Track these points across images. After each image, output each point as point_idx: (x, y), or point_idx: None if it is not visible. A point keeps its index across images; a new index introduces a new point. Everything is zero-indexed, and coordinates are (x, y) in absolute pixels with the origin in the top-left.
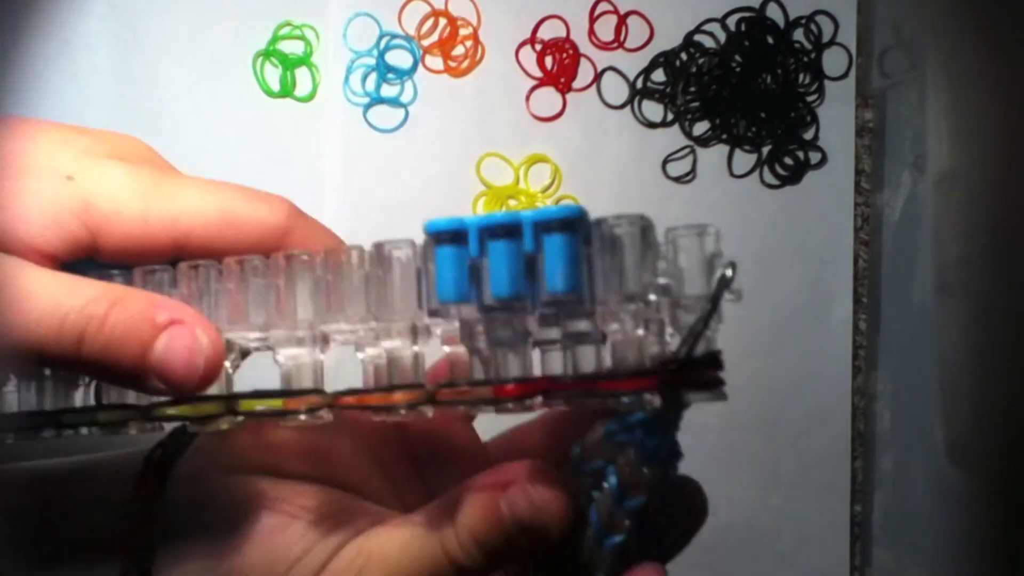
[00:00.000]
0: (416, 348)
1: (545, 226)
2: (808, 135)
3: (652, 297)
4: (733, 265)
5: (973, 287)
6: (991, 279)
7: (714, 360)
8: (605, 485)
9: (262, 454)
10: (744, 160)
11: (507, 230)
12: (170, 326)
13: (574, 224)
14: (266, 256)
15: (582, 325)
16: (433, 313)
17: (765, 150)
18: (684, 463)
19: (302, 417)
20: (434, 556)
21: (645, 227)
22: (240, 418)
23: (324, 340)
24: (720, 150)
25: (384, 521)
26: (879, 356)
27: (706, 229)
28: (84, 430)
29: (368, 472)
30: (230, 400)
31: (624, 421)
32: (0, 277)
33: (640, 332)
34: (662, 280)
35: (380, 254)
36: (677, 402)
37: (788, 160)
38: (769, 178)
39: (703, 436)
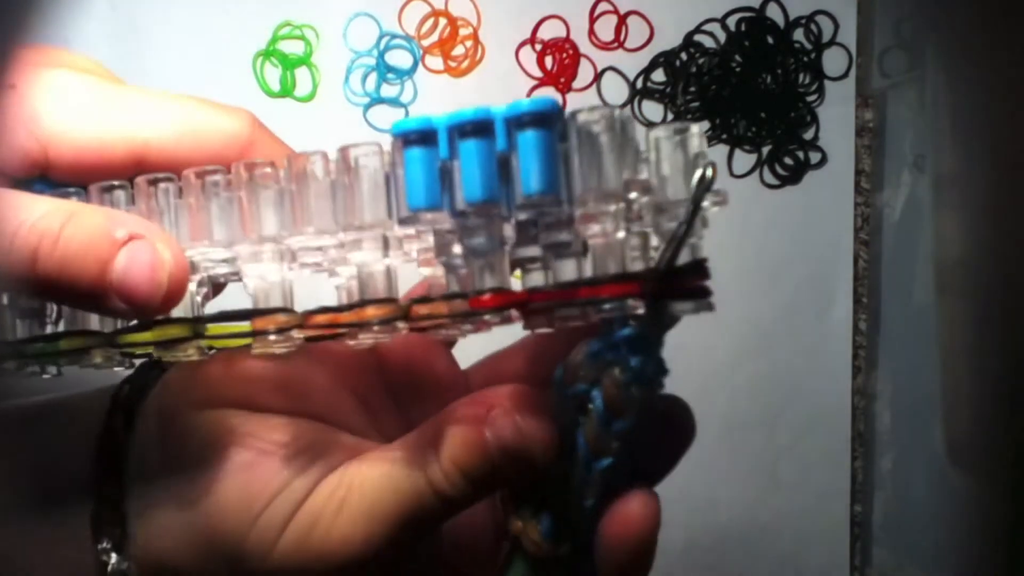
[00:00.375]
0: (388, 261)
1: (517, 122)
2: (808, 135)
3: (633, 195)
4: (712, 165)
5: (973, 287)
6: (991, 279)
7: (699, 268)
8: (591, 407)
9: (233, 387)
10: (744, 160)
11: (478, 128)
12: (129, 241)
13: (549, 119)
14: (227, 169)
15: (561, 235)
16: (404, 222)
17: (765, 150)
18: (684, 463)
19: (272, 339)
20: (417, 486)
21: (624, 120)
22: (207, 345)
23: (292, 256)
24: (720, 150)
25: (364, 453)
26: (879, 356)
27: (688, 128)
28: (52, 370)
29: (344, 403)
30: (196, 323)
31: (608, 339)
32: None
33: (621, 235)
34: (643, 176)
35: (346, 160)
36: (662, 312)
37: (788, 160)
38: (769, 178)
39: (703, 436)
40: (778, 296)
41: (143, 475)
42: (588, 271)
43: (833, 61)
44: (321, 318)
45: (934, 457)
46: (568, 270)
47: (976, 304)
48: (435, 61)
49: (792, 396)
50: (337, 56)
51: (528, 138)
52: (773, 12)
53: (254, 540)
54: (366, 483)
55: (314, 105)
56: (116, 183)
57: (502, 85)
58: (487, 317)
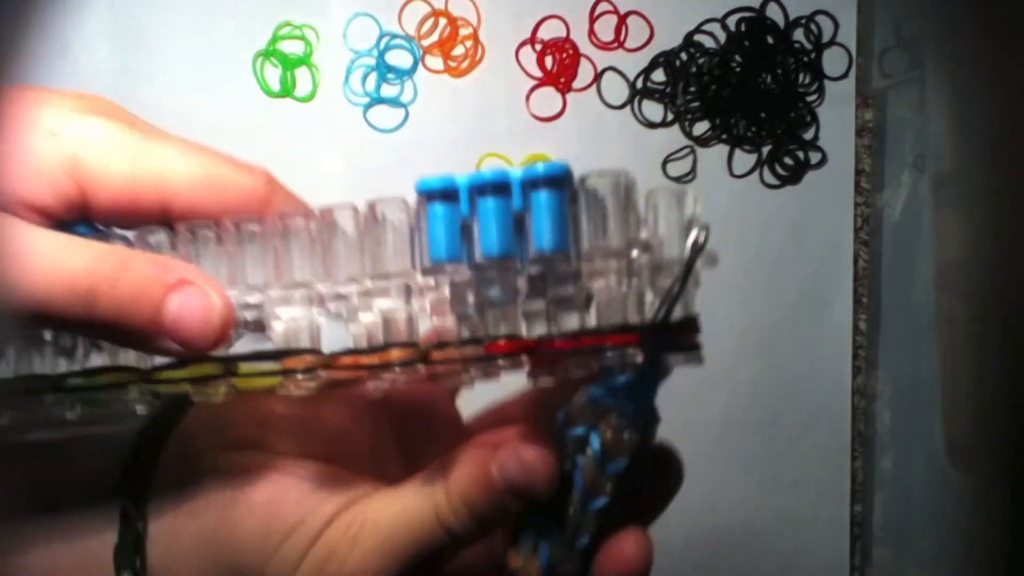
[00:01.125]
0: (410, 308)
1: (532, 183)
2: (808, 135)
3: (635, 253)
4: (707, 229)
5: (973, 287)
6: (991, 279)
7: (691, 324)
8: (589, 450)
9: (252, 431)
10: (744, 160)
11: (496, 188)
12: (181, 286)
13: (560, 182)
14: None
15: (567, 290)
16: (427, 272)
17: (765, 150)
18: (686, 459)
19: (299, 377)
20: (427, 521)
21: (627, 185)
22: (237, 384)
23: (320, 301)
24: (720, 150)
25: (375, 492)
26: (879, 356)
27: (685, 192)
28: (73, 412)
29: (355, 448)
30: (228, 362)
31: (607, 385)
32: (0, 236)
33: (624, 290)
34: (643, 235)
35: (373, 214)
36: (656, 363)
37: (788, 160)
38: (769, 178)
39: (703, 436)
40: (778, 296)
41: (165, 509)
42: (590, 323)
43: (833, 61)
44: (347, 359)
45: (934, 457)
46: (572, 321)
47: (976, 304)
48: (435, 61)
49: (792, 396)
50: (337, 56)
51: (542, 199)
52: (773, 12)
53: (272, 573)
54: (379, 519)
55: (314, 105)
56: (156, 228)
57: (502, 85)
58: (500, 362)
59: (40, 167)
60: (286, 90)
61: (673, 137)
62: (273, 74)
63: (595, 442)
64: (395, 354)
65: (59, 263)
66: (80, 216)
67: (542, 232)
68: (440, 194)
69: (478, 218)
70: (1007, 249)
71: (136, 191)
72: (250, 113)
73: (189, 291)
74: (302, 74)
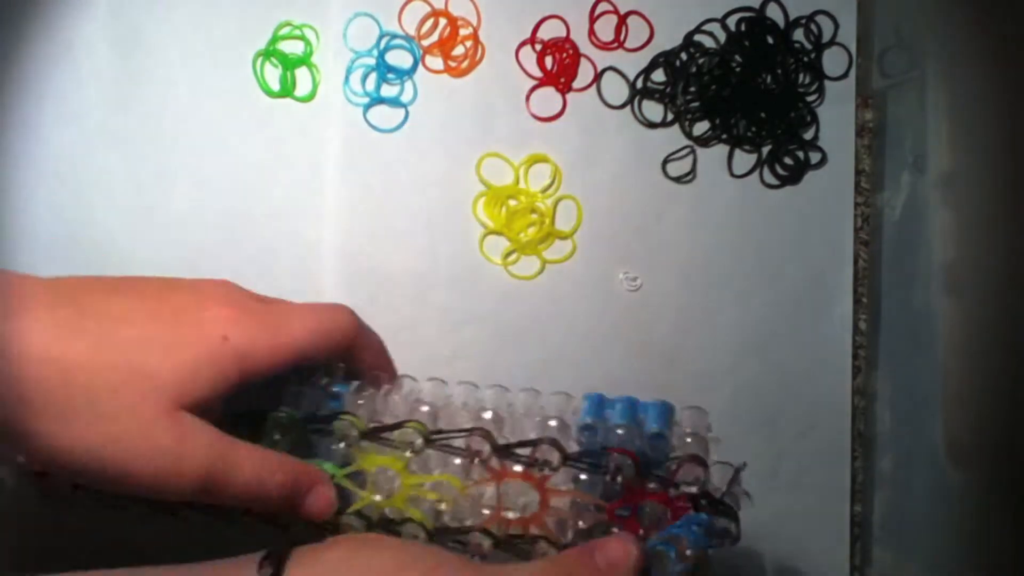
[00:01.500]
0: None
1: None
2: (808, 135)
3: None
4: (743, 465)
5: (973, 287)
6: (991, 279)
7: (731, 512)
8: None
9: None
10: (744, 160)
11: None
12: (314, 486)
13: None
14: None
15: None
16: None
17: (765, 150)
18: None
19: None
20: None
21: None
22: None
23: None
24: (720, 150)
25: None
26: (879, 356)
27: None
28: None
29: None
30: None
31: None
32: (230, 456)
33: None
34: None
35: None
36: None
37: (788, 160)
38: (769, 178)
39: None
40: (778, 296)
41: None
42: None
43: (833, 61)
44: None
45: (934, 457)
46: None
47: (976, 304)
48: (435, 61)
49: (792, 396)
50: (337, 56)
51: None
52: (773, 12)
53: None
54: None
55: (314, 105)
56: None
57: (502, 85)
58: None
59: (215, 370)
60: (286, 90)
61: (673, 137)
62: (273, 74)
63: (673, 552)
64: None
65: (258, 478)
66: (235, 390)
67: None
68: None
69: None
70: (1007, 249)
71: (277, 364)
72: (250, 113)
73: (321, 490)
74: (302, 74)
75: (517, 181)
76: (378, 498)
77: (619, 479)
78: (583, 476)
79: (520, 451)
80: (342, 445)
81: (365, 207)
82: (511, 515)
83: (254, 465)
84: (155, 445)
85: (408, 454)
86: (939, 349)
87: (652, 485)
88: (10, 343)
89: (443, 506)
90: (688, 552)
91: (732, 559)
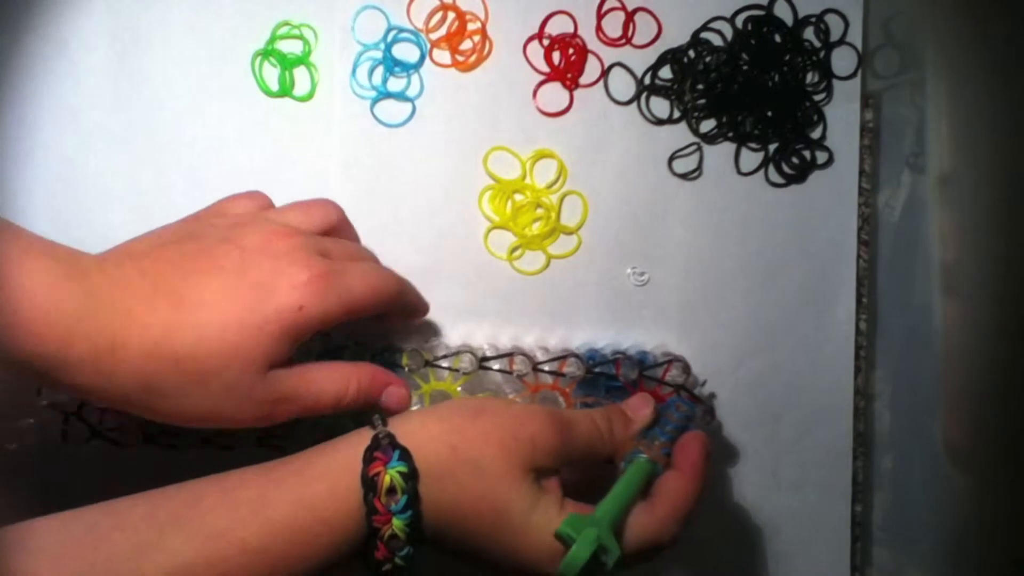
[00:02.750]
0: None
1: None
2: (815, 134)
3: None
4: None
5: (973, 287)
6: (991, 279)
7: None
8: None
9: None
10: (751, 158)
11: None
12: (388, 386)
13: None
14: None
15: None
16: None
17: (772, 148)
18: None
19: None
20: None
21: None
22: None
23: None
24: (727, 147)
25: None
26: (879, 356)
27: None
28: None
29: None
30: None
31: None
32: (313, 381)
33: None
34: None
35: None
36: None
37: (794, 159)
38: (775, 176)
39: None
40: (780, 295)
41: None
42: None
43: (842, 60)
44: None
45: (934, 457)
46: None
47: (976, 304)
48: (442, 55)
49: (793, 395)
50: (337, 54)
51: None
52: (782, 10)
53: None
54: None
55: (313, 104)
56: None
57: (509, 80)
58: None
59: (295, 335)
60: (285, 90)
61: (680, 134)
62: (272, 74)
63: (674, 409)
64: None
65: (336, 385)
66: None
67: None
68: None
69: None
70: (1007, 249)
71: (341, 319)
72: (249, 113)
73: (394, 389)
74: (301, 74)
75: (524, 175)
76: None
77: (626, 378)
78: (591, 390)
79: (549, 367)
80: (407, 370)
81: (371, 201)
82: None
83: (333, 380)
84: (255, 404)
85: (460, 377)
86: (939, 349)
87: (647, 384)
88: (127, 342)
89: None
90: (685, 408)
91: (733, 559)
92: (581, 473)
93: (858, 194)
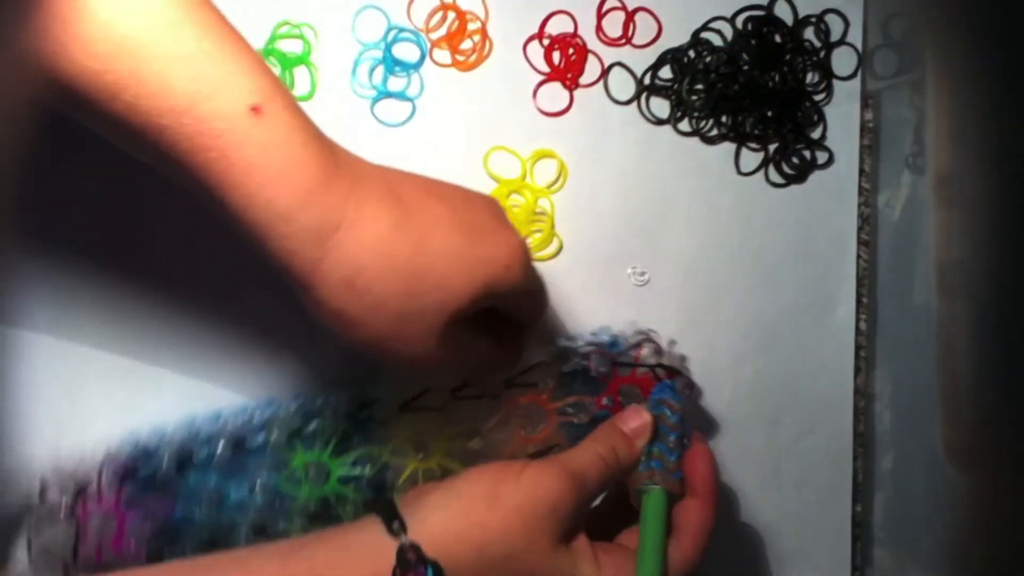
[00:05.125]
0: None
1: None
2: (815, 134)
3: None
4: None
5: (973, 287)
6: (991, 279)
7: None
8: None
9: None
10: (751, 158)
11: None
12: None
13: None
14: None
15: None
16: None
17: (772, 148)
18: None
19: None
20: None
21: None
22: None
23: None
24: (727, 147)
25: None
26: (879, 356)
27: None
28: None
29: None
30: None
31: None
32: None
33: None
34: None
35: None
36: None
37: (794, 159)
38: (775, 176)
39: (704, 435)
40: (780, 295)
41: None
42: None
43: (842, 60)
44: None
45: (934, 457)
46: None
47: (976, 304)
48: (443, 55)
49: (793, 395)
50: (338, 53)
51: None
52: (782, 10)
53: None
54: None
55: (313, 103)
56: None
57: (509, 80)
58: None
59: (490, 293)
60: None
61: (680, 134)
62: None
63: (666, 409)
64: None
65: None
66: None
67: None
68: None
69: None
70: (1007, 249)
71: (515, 294)
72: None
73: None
74: (301, 73)
75: (524, 175)
76: (421, 456)
77: (599, 372)
78: (572, 386)
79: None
80: (380, 422)
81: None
82: (524, 432)
83: (487, 350)
84: (429, 349)
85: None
86: (939, 349)
87: (622, 372)
88: (354, 224)
89: (475, 444)
90: (676, 406)
91: (733, 559)
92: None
93: (858, 194)
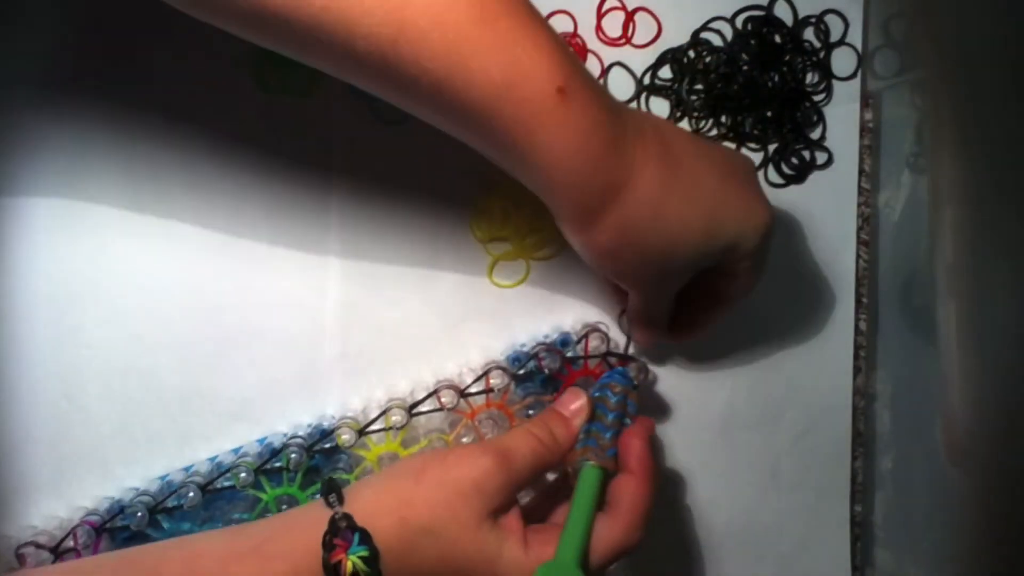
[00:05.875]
0: None
1: None
2: (815, 135)
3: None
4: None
5: (972, 287)
6: (990, 279)
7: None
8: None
9: None
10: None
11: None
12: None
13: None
14: None
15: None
16: None
17: (771, 148)
18: (686, 459)
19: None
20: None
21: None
22: None
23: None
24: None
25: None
26: (879, 356)
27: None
28: None
29: None
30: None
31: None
32: None
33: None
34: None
35: None
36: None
37: (794, 159)
38: (775, 177)
39: (703, 436)
40: (780, 295)
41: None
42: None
43: (842, 61)
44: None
45: (934, 457)
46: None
47: (976, 304)
48: None
49: (793, 396)
50: None
51: None
52: (782, 10)
53: None
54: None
55: (313, 104)
56: None
57: None
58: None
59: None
60: (285, 88)
61: None
62: (272, 72)
63: (608, 392)
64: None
65: None
66: None
67: None
68: None
69: None
70: (1007, 249)
71: None
72: (249, 112)
73: None
74: (301, 72)
75: None
76: None
77: (550, 368)
78: (528, 386)
79: (476, 389)
80: (344, 449)
81: (372, 200)
82: (488, 438)
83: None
84: (664, 295)
85: (399, 433)
86: (939, 349)
87: (575, 366)
88: (633, 185)
89: None
90: (618, 388)
91: (733, 559)
92: (539, 492)
93: (858, 194)
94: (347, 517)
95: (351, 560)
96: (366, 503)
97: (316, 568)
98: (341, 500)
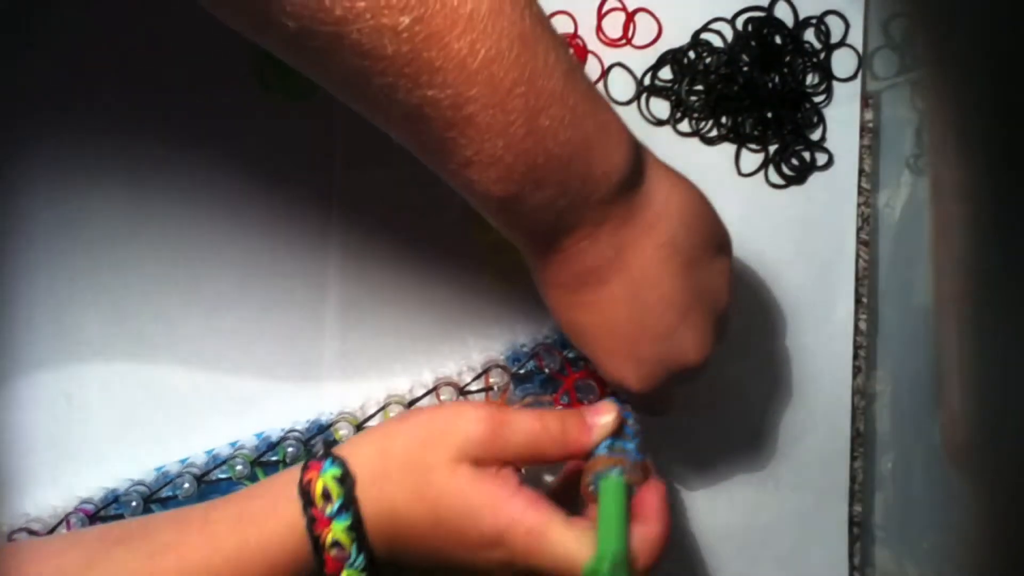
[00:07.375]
0: None
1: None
2: (815, 136)
3: None
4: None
5: (973, 287)
6: (990, 279)
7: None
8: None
9: None
10: (751, 159)
11: None
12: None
13: None
14: None
15: None
16: None
17: (772, 149)
18: (686, 459)
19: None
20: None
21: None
22: None
23: None
24: (727, 148)
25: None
26: (879, 356)
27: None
28: None
29: None
30: None
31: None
32: None
33: None
34: None
35: None
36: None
37: (794, 160)
38: (775, 178)
39: (702, 436)
40: (780, 295)
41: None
42: None
43: (842, 62)
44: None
45: (934, 457)
46: None
47: (975, 304)
48: None
49: (793, 396)
50: None
51: None
52: (782, 12)
53: None
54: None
55: (314, 103)
56: None
57: None
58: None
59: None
60: (285, 88)
61: (679, 134)
62: (272, 72)
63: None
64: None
65: None
66: None
67: None
68: None
69: None
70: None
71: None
72: (250, 112)
73: None
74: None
75: None
76: None
77: (548, 369)
78: (527, 386)
79: (476, 386)
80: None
81: (374, 200)
82: None
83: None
84: (648, 383)
85: None
86: (939, 349)
87: (575, 367)
88: (624, 267)
89: None
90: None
91: (733, 559)
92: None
93: (858, 194)
94: (326, 445)
95: (322, 479)
96: (351, 440)
97: (293, 496)
98: (326, 446)
